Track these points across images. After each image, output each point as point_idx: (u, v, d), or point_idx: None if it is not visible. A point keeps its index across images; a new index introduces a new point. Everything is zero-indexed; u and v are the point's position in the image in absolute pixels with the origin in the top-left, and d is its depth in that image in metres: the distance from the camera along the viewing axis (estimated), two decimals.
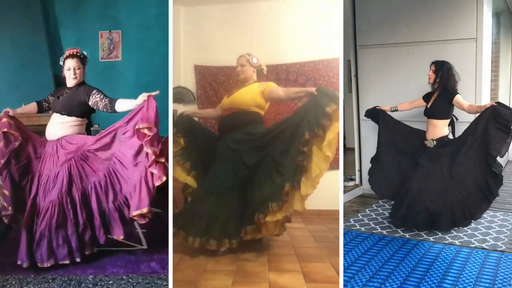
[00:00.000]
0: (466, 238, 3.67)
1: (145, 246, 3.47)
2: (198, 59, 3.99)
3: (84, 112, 3.17)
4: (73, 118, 3.13)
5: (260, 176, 3.00)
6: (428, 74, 3.82)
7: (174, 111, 4.05)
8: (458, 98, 3.73)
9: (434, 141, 3.80)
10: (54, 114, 3.18)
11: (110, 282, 2.87)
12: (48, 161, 3.09)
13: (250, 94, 3.17)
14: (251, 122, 3.15)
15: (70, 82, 3.13)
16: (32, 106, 3.33)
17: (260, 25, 3.79)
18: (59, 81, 5.25)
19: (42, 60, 5.19)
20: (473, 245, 3.52)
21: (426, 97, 3.93)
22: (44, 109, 3.32)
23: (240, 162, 3.08)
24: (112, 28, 5.50)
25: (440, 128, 3.80)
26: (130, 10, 5.47)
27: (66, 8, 5.52)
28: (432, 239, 3.65)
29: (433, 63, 3.83)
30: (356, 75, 5.20)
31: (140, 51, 5.48)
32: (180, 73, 4.03)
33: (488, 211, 4.38)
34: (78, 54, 3.11)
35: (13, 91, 4.87)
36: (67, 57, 3.08)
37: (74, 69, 3.08)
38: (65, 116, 3.12)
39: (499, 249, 3.44)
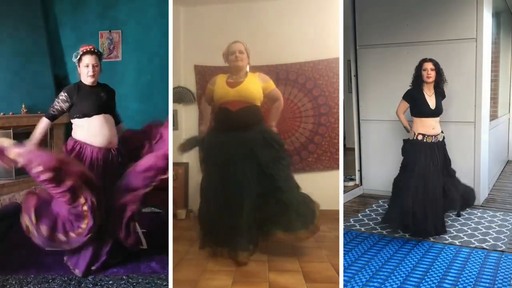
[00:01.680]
0: (466, 238, 3.67)
1: (145, 246, 3.47)
2: (198, 59, 3.99)
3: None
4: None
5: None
6: (428, 73, 3.66)
7: (174, 111, 4.05)
8: None
9: (443, 133, 3.78)
10: (102, 116, 2.99)
11: (110, 282, 2.87)
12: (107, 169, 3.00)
13: (257, 88, 3.03)
14: (261, 119, 3.04)
15: (87, 79, 2.97)
16: (45, 123, 3.08)
17: (260, 25, 3.80)
18: (59, 81, 5.26)
19: (42, 60, 5.18)
20: (473, 245, 3.52)
21: (413, 98, 3.76)
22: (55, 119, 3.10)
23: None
24: (112, 28, 5.49)
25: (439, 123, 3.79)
26: (130, 10, 5.46)
27: (66, 8, 5.51)
28: (432, 239, 3.65)
29: (429, 60, 3.69)
30: (356, 75, 5.20)
31: (140, 51, 5.47)
32: (180, 73, 4.04)
33: (488, 211, 4.39)
34: (96, 51, 2.99)
35: (13, 91, 4.87)
36: (85, 53, 2.94)
37: (93, 66, 2.94)
38: (111, 117, 3.05)
39: (499, 249, 3.44)
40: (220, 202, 2.92)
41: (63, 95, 2.96)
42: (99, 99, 2.98)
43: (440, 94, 3.74)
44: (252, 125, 2.95)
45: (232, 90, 2.98)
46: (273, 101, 3.16)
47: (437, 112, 3.72)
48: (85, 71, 2.95)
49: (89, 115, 2.94)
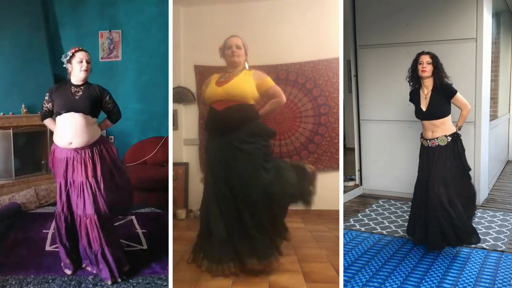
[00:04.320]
0: None
1: (145, 246, 3.47)
2: (198, 59, 3.99)
3: (98, 112, 3.08)
4: (95, 119, 3.03)
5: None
6: (423, 66, 3.31)
7: (174, 111, 4.06)
8: (458, 96, 3.34)
9: (448, 137, 3.33)
10: (73, 114, 2.90)
11: (110, 282, 2.87)
12: (81, 167, 2.93)
13: (249, 85, 2.79)
14: (253, 118, 2.79)
15: (80, 75, 2.93)
16: (48, 122, 3.14)
17: (260, 25, 3.79)
18: (59, 81, 5.25)
19: (42, 59, 5.18)
20: (473, 245, 3.52)
21: (412, 99, 3.50)
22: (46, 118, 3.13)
23: (260, 167, 2.71)
24: (112, 27, 5.50)
25: (448, 123, 3.35)
26: (130, 10, 5.47)
27: (66, 7, 5.52)
28: None
29: (426, 53, 3.36)
30: (356, 75, 5.20)
31: (140, 51, 5.47)
32: (180, 73, 4.03)
33: (488, 211, 4.39)
34: (85, 50, 3.00)
35: (13, 91, 4.87)
36: (77, 51, 2.94)
37: (87, 61, 2.93)
38: (89, 116, 2.96)
39: (499, 249, 3.44)
40: (210, 210, 2.74)
41: (46, 96, 3.02)
42: (72, 96, 2.92)
43: (440, 92, 3.34)
44: (239, 125, 2.73)
45: (220, 89, 2.78)
46: (270, 99, 2.90)
47: (428, 115, 3.36)
48: (79, 66, 2.92)
49: (59, 113, 2.93)
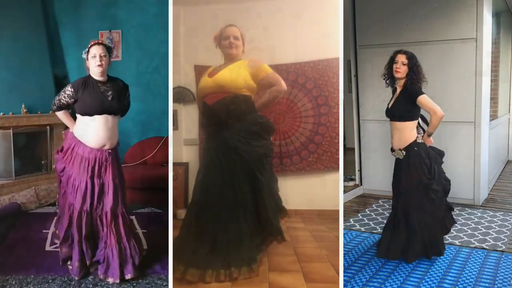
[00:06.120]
0: (466, 238, 3.67)
1: (145, 246, 3.46)
2: (198, 59, 3.99)
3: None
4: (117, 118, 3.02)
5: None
6: (397, 67, 3.10)
7: (174, 111, 4.05)
8: (422, 99, 3.05)
9: (403, 151, 3.15)
10: (107, 116, 2.90)
11: (111, 282, 2.87)
12: (111, 167, 2.95)
13: (241, 74, 2.65)
14: (248, 111, 2.63)
15: (95, 70, 2.88)
16: (63, 115, 3.06)
17: (259, 25, 3.79)
18: (59, 81, 5.26)
19: (42, 60, 5.18)
20: (473, 245, 3.52)
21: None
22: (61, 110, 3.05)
23: (256, 171, 2.60)
24: (112, 27, 5.50)
25: (408, 132, 3.13)
26: (130, 10, 5.47)
27: (66, 7, 5.51)
28: None
29: (404, 53, 3.14)
30: (356, 75, 5.20)
31: (140, 51, 5.47)
32: (180, 73, 4.03)
33: (488, 211, 4.39)
34: (103, 43, 2.97)
35: (13, 91, 4.87)
36: (92, 45, 2.91)
37: (100, 56, 2.87)
38: (116, 117, 2.97)
39: (499, 249, 3.44)
40: (201, 212, 2.64)
41: (69, 90, 2.90)
42: (104, 99, 2.87)
43: (407, 95, 3.11)
44: (233, 120, 2.59)
45: (210, 80, 2.67)
46: (268, 88, 2.71)
47: (390, 114, 3.20)
48: (93, 62, 2.87)
49: (90, 114, 2.87)
